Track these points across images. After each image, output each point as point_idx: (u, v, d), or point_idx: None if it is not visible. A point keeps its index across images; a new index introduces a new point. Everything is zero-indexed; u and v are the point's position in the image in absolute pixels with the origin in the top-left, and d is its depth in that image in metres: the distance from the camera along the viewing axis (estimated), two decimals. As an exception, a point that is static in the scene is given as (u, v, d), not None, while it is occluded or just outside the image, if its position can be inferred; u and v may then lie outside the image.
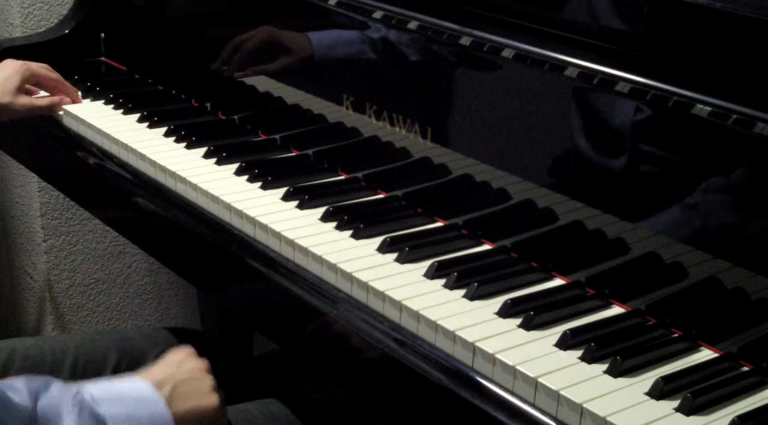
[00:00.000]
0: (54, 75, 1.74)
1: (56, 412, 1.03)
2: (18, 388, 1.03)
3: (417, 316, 1.13)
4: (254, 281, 1.34)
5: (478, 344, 1.08)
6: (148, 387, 1.12)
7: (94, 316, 2.36)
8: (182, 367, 1.19)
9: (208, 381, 1.19)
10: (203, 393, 1.17)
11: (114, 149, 1.62)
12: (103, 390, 1.09)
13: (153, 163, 1.52)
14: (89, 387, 1.09)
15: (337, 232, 1.32)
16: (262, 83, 1.66)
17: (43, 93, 1.76)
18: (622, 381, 1.03)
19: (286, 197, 1.41)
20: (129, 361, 1.45)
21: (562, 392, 1.00)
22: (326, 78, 1.54)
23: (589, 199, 1.22)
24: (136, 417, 1.08)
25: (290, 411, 1.41)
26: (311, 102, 1.57)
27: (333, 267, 1.23)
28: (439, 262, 1.23)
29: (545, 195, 1.26)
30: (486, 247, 1.31)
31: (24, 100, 1.67)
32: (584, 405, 0.99)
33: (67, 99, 1.75)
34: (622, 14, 1.20)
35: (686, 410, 0.99)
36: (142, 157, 1.55)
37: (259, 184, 1.45)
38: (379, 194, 1.46)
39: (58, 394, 1.05)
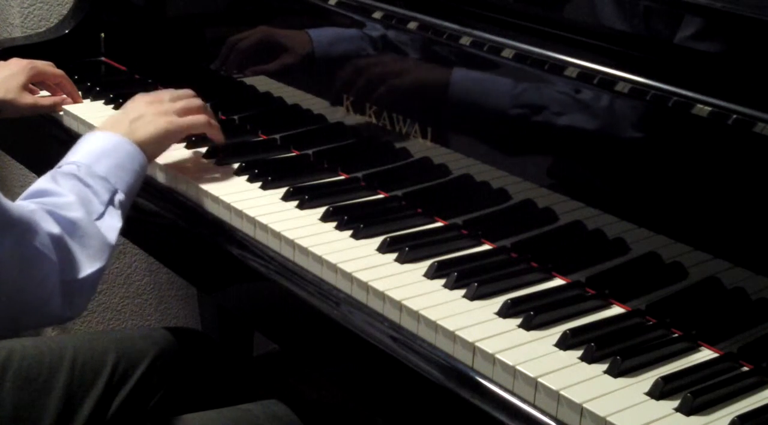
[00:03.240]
0: (59, 72, 1.74)
1: (83, 192, 1.22)
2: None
3: (417, 316, 1.13)
4: (254, 281, 1.34)
5: (478, 344, 1.08)
6: (111, 135, 1.33)
7: (94, 316, 2.36)
8: (129, 106, 1.43)
9: (153, 107, 1.41)
10: (153, 119, 1.39)
11: (114, 149, 1.61)
12: (85, 156, 1.28)
13: (153, 162, 1.52)
14: (71, 160, 1.28)
15: (337, 232, 1.32)
16: (262, 83, 1.66)
17: (44, 93, 1.76)
18: (622, 381, 1.03)
19: (286, 197, 1.41)
20: (128, 361, 1.44)
21: (562, 392, 1.00)
22: (326, 78, 1.54)
23: (589, 199, 1.22)
24: (120, 163, 1.30)
25: (292, 412, 1.41)
26: (311, 102, 1.57)
27: (333, 267, 1.23)
28: (439, 262, 1.23)
29: (545, 195, 1.26)
30: (486, 247, 1.31)
31: (28, 98, 1.67)
32: (584, 405, 0.99)
33: (69, 99, 1.75)
34: (622, 14, 1.20)
35: (686, 410, 0.99)
36: (142, 157, 1.55)
37: (259, 184, 1.45)
38: (379, 194, 1.46)
39: (68, 179, 1.23)
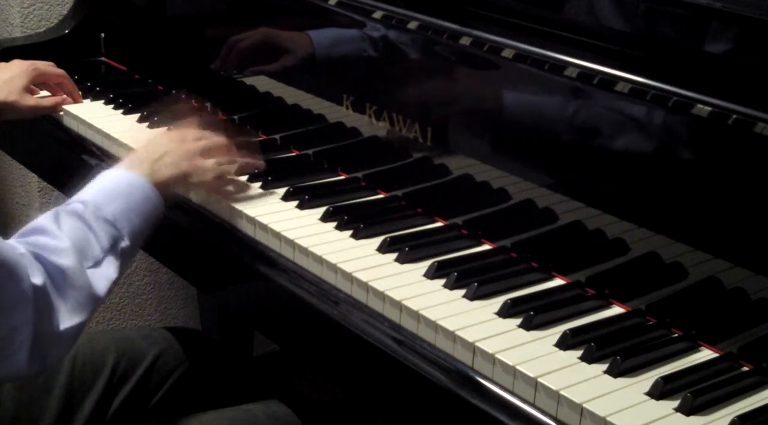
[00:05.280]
0: (60, 72, 1.74)
1: (83, 235, 1.16)
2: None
3: (417, 316, 1.13)
4: (254, 282, 1.34)
5: (478, 344, 1.08)
6: (129, 174, 1.26)
7: (94, 316, 2.35)
8: (152, 145, 1.34)
9: (177, 147, 1.33)
10: (177, 161, 1.31)
11: (114, 149, 1.62)
12: (96, 195, 1.21)
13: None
14: (82, 198, 1.21)
15: (337, 232, 1.32)
16: (262, 83, 1.66)
17: (44, 93, 1.76)
18: (622, 381, 1.03)
19: (286, 197, 1.41)
20: (128, 361, 1.45)
21: (562, 392, 1.00)
22: (326, 78, 1.54)
23: (589, 199, 1.22)
24: (134, 207, 1.23)
25: (292, 412, 1.41)
26: (311, 102, 1.57)
27: (333, 267, 1.23)
28: (439, 262, 1.23)
29: (545, 195, 1.26)
30: (486, 247, 1.31)
31: (29, 99, 1.67)
32: (584, 405, 0.99)
33: (69, 99, 1.75)
34: (623, 14, 1.20)
35: (686, 410, 0.99)
36: (142, 157, 1.55)
37: (259, 184, 1.45)
38: (379, 194, 1.46)
39: (71, 220, 1.16)
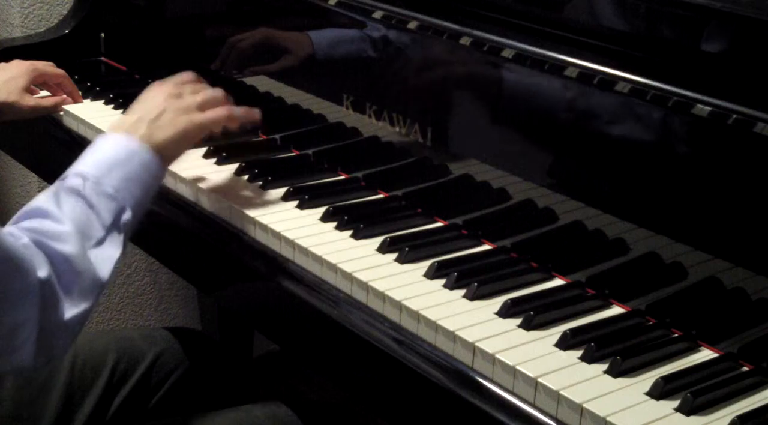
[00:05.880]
0: (60, 71, 1.74)
1: (85, 215, 1.13)
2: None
3: (417, 316, 1.13)
4: (254, 281, 1.34)
5: (478, 344, 1.08)
6: (126, 140, 1.22)
7: (94, 316, 2.36)
8: (149, 103, 1.31)
9: (173, 103, 1.30)
10: (174, 119, 1.27)
11: (114, 149, 1.62)
12: (95, 166, 1.18)
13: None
14: (80, 171, 1.18)
15: (337, 232, 1.32)
16: (262, 83, 1.66)
17: (44, 93, 1.76)
18: (622, 381, 1.03)
19: (286, 197, 1.41)
20: (128, 361, 1.45)
21: (562, 392, 1.00)
22: (326, 78, 1.54)
23: (589, 199, 1.22)
24: (132, 175, 1.19)
25: (293, 413, 1.41)
26: (311, 102, 1.57)
27: (333, 267, 1.23)
28: (439, 262, 1.23)
29: (545, 195, 1.26)
30: (486, 247, 1.31)
31: (30, 100, 1.67)
32: (584, 405, 0.99)
33: (69, 99, 1.75)
34: (622, 14, 1.20)
35: (686, 410, 0.99)
36: (142, 157, 1.55)
37: (259, 184, 1.45)
38: (379, 194, 1.46)
39: (71, 198, 1.14)
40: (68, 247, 1.09)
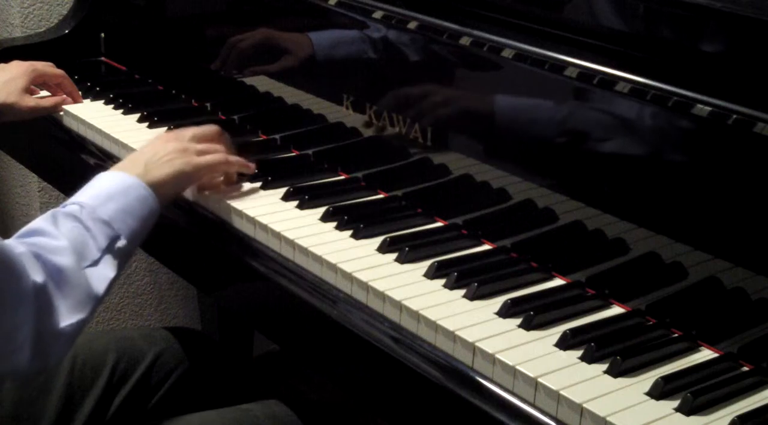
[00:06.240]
0: (59, 72, 1.74)
1: (80, 236, 1.17)
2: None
3: (417, 316, 1.13)
4: (254, 281, 1.34)
5: (478, 344, 1.08)
6: (123, 176, 1.28)
7: (94, 316, 2.36)
8: (150, 146, 1.36)
9: (172, 146, 1.35)
10: (172, 160, 1.33)
11: (114, 149, 1.62)
12: (92, 197, 1.23)
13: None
14: (78, 200, 1.22)
15: (337, 232, 1.32)
16: (262, 83, 1.66)
17: (44, 93, 1.76)
18: (622, 381, 1.03)
19: (286, 197, 1.41)
20: (128, 361, 1.45)
21: (562, 392, 1.00)
22: (326, 78, 1.54)
23: (589, 199, 1.22)
24: (128, 208, 1.24)
25: (292, 412, 1.41)
26: (311, 102, 1.57)
27: (333, 267, 1.23)
28: (439, 262, 1.23)
29: (545, 195, 1.26)
30: (486, 247, 1.31)
31: (29, 100, 1.67)
32: (584, 405, 0.99)
33: (69, 99, 1.75)
34: (622, 14, 1.20)
35: (686, 410, 0.99)
36: (142, 157, 1.55)
37: (259, 184, 1.45)
38: (379, 194, 1.46)
39: (68, 221, 1.18)
40: (64, 260, 1.12)
